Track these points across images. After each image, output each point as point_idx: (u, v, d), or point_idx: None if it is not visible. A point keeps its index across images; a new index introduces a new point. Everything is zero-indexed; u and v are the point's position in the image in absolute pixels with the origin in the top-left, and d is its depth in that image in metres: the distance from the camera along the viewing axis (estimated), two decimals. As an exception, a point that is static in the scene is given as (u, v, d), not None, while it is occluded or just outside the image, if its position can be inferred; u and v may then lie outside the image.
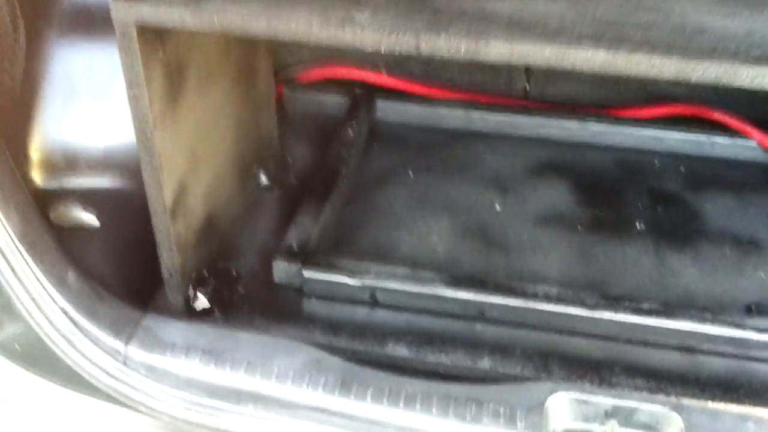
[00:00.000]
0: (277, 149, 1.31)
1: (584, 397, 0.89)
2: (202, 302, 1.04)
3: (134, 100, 0.87)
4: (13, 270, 0.86)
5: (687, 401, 0.90)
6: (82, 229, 1.02)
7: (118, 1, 0.82)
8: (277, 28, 0.81)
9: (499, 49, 0.77)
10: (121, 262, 1.03)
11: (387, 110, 1.40)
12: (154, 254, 1.01)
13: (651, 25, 0.78)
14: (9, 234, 0.87)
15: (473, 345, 1.02)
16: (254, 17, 0.80)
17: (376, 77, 1.44)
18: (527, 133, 1.37)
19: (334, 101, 1.42)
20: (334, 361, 0.92)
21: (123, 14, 0.83)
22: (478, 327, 1.04)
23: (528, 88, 1.45)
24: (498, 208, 1.23)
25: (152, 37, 0.87)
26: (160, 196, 0.94)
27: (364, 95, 1.40)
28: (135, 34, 0.84)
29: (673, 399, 0.91)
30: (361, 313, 1.06)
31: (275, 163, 1.29)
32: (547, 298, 1.03)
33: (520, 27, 0.78)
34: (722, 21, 0.79)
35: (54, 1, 1.04)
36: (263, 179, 1.26)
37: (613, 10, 0.81)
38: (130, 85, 0.87)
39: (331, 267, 1.08)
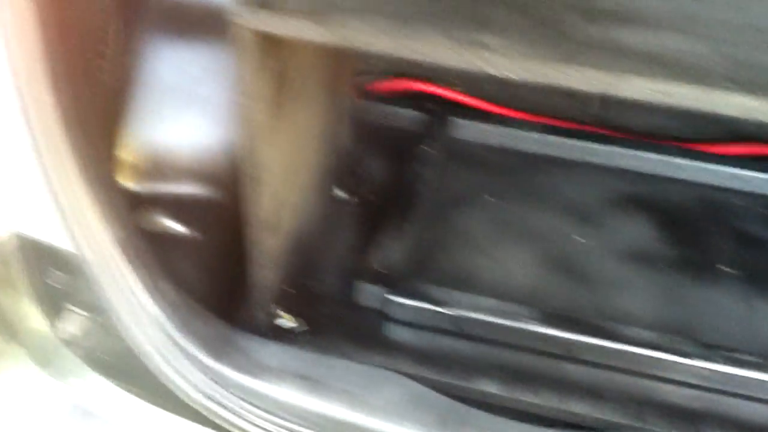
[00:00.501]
0: (354, 162, 1.27)
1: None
2: (284, 320, 1.01)
3: (244, 110, 0.84)
4: (112, 279, 0.82)
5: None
6: (167, 236, 0.98)
7: (241, 7, 0.78)
8: (403, 47, 0.77)
9: (635, 88, 0.73)
10: (206, 274, 0.99)
11: (464, 130, 1.36)
12: (237, 267, 0.97)
13: None
14: (106, 240, 0.83)
15: (563, 385, 0.98)
16: (380, 34, 0.76)
17: (451, 94, 1.41)
18: (606, 161, 1.33)
19: (405, 115, 1.38)
20: (435, 397, 0.88)
21: (245, 22, 0.79)
22: (568, 366, 1.01)
23: (602, 114, 1.42)
24: (580, 239, 1.19)
25: (268, 46, 0.83)
26: (258, 209, 0.90)
27: (442, 113, 1.36)
28: (254, 43, 0.80)
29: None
30: (447, 342, 1.02)
31: (349, 176, 1.25)
32: (641, 343, 1.00)
33: (659, 64, 0.75)
34: None
35: (149, -3, 1.00)
36: (340, 192, 1.22)
37: (750, 51, 0.77)
38: (242, 94, 0.83)
39: (415, 293, 1.04)
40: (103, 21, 0.89)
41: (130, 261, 0.83)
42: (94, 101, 0.88)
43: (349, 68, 1.20)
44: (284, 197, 0.96)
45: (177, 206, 0.99)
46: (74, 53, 0.80)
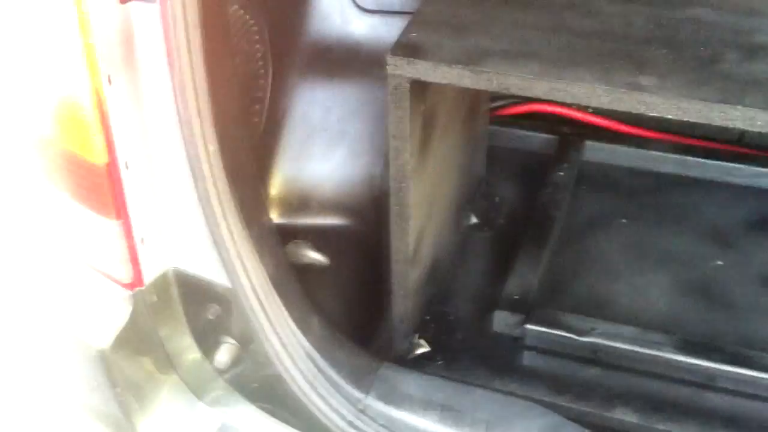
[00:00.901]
0: (486, 188, 1.30)
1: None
2: (423, 347, 1.05)
3: (395, 151, 0.88)
4: (265, 312, 0.88)
5: None
6: (312, 268, 1.04)
7: (396, 57, 0.82)
8: (559, 92, 0.79)
9: None
10: (349, 304, 1.05)
11: (596, 151, 1.36)
12: (378, 297, 1.02)
13: None
14: (260, 274, 0.89)
15: (704, 415, 0.98)
16: (535, 80, 0.79)
17: (583, 116, 1.41)
18: (745, 182, 1.30)
19: (538, 138, 1.40)
20: (573, 429, 0.89)
21: (400, 70, 0.83)
22: (709, 395, 1.00)
23: (743, 133, 1.39)
24: (720, 263, 1.18)
25: (420, 91, 0.87)
26: (404, 244, 0.94)
27: (572, 135, 1.37)
28: (408, 90, 0.84)
29: None
30: (584, 371, 1.03)
31: (483, 202, 1.28)
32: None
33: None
34: None
35: (298, 42, 1.06)
36: (473, 219, 1.25)
37: None
38: (395, 137, 0.87)
39: (554, 322, 1.06)
40: (260, 68, 0.95)
41: (281, 294, 0.89)
42: (250, 143, 0.94)
43: (486, 100, 1.23)
44: (425, 230, 1.00)
45: (321, 238, 1.04)
46: (235, 101, 0.86)
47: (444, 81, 0.81)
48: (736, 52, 0.80)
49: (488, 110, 1.28)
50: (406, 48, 0.82)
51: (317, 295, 1.02)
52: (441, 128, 0.97)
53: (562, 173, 1.29)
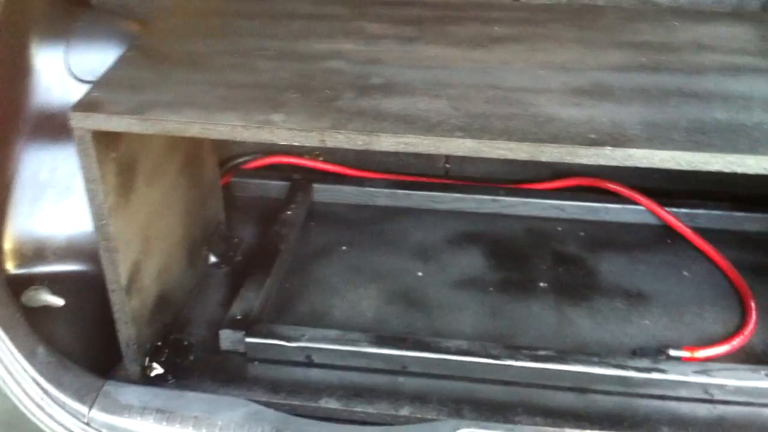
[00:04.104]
0: (224, 231, 1.47)
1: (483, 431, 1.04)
2: (156, 370, 1.18)
3: (91, 194, 1.03)
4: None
5: (574, 432, 1.06)
6: (49, 309, 1.16)
7: (76, 112, 0.99)
8: (208, 131, 0.98)
9: (388, 142, 0.95)
10: (85, 337, 1.18)
11: (323, 192, 1.57)
12: (114, 329, 1.15)
13: (512, 116, 0.96)
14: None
15: (395, 395, 1.16)
16: (188, 123, 0.97)
17: (313, 164, 1.62)
18: (447, 206, 1.55)
19: (276, 186, 1.59)
20: (269, 413, 1.06)
21: (80, 123, 0.99)
22: (401, 380, 1.19)
23: (447, 167, 1.64)
24: (420, 274, 1.40)
25: (106, 140, 1.03)
26: (116, 276, 1.09)
27: (302, 180, 1.57)
28: (91, 139, 1.00)
29: (561, 431, 1.06)
30: (298, 372, 1.20)
31: (222, 243, 1.45)
32: (459, 352, 1.19)
33: (405, 122, 0.96)
34: (570, 110, 0.97)
35: (22, 113, 1.21)
36: (212, 258, 1.41)
37: (482, 105, 0.99)
38: (87, 182, 1.02)
39: (270, 334, 1.22)
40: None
41: (10, 333, 1.02)
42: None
43: (211, 151, 1.41)
44: (142, 264, 1.15)
45: (54, 282, 1.18)
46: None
47: (118, 129, 0.98)
48: (351, 93, 1.02)
49: (217, 161, 1.46)
50: (86, 104, 0.99)
51: (58, 333, 1.16)
52: (146, 174, 1.14)
53: (290, 212, 1.49)
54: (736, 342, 1.22)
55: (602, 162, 0.92)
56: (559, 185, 1.56)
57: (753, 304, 1.28)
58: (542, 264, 1.41)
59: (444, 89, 1.04)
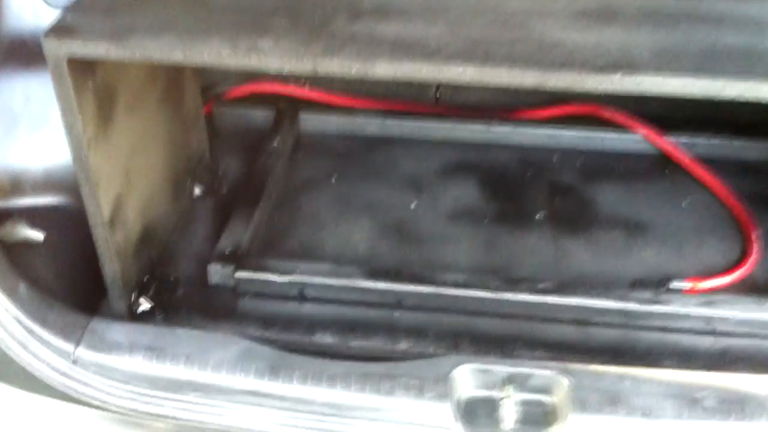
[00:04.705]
0: (209, 162, 1.42)
1: (485, 367, 1.02)
2: (143, 306, 1.15)
3: (68, 125, 0.97)
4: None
5: (574, 366, 1.03)
6: (29, 244, 1.11)
7: (49, 38, 0.92)
8: (192, 57, 0.91)
9: (384, 69, 0.89)
10: (68, 273, 1.13)
11: (310, 122, 1.51)
12: (98, 264, 1.11)
13: (515, 41, 0.91)
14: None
15: (391, 330, 1.13)
16: (171, 49, 0.91)
17: (299, 91, 1.56)
18: (439, 136, 1.50)
19: (260, 115, 1.53)
20: (264, 350, 1.03)
21: (54, 49, 0.92)
22: (396, 314, 1.16)
23: (438, 95, 1.59)
24: (413, 206, 1.35)
25: (82, 68, 0.96)
26: (98, 210, 1.03)
27: (288, 109, 1.51)
28: (66, 67, 0.93)
29: (562, 364, 1.04)
30: (290, 307, 1.17)
31: (207, 175, 1.39)
32: (456, 285, 1.16)
33: (402, 48, 0.90)
34: (575, 35, 0.92)
35: (-10, 36, 1.13)
36: (197, 190, 1.36)
37: (483, 30, 0.94)
38: (64, 112, 0.96)
39: (261, 267, 1.19)
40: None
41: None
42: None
43: (192, 80, 1.34)
44: (125, 198, 1.10)
45: (33, 216, 1.12)
46: None
47: (95, 56, 0.92)
48: (343, 17, 0.96)
49: (199, 90, 1.39)
50: (60, 30, 0.92)
51: (40, 270, 1.11)
52: (125, 104, 1.08)
53: (276, 143, 1.43)
54: (739, 273, 1.20)
55: (611, 90, 0.87)
56: (554, 113, 1.51)
57: (755, 235, 1.26)
58: (538, 195, 1.38)
59: (442, 13, 0.98)
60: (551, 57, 0.88)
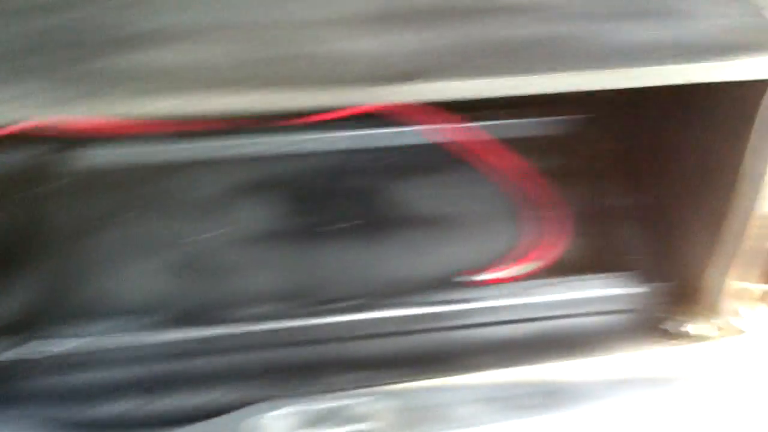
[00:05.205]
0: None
1: (299, 408, 0.95)
2: None
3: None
4: None
5: (392, 387, 0.98)
6: None
7: None
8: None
9: (153, 107, 0.81)
10: None
11: (85, 156, 1.37)
12: None
13: (301, 57, 0.84)
14: None
15: (196, 381, 1.04)
16: None
17: (73, 124, 1.41)
18: (232, 154, 1.40)
19: (25, 155, 1.37)
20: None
21: None
22: (199, 363, 1.07)
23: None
24: (211, 236, 1.26)
25: None
26: None
27: (59, 144, 1.36)
28: None
29: (380, 388, 0.98)
30: (77, 377, 1.04)
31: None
32: (262, 319, 1.08)
33: (175, 80, 0.82)
34: (366, 44, 0.86)
35: None
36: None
37: (266, 48, 0.86)
38: None
39: (40, 335, 1.05)
40: None
41: None
42: None
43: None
44: None
45: None
46: None
47: None
48: (111, 48, 0.86)
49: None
50: None
51: None
52: None
53: (47, 184, 1.29)
54: (542, 255, 1.19)
55: (406, 100, 0.82)
56: (344, 114, 1.45)
57: (549, 215, 1.25)
58: (339, 203, 1.31)
59: (220, 32, 0.89)
60: (339, 72, 0.82)
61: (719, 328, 1.07)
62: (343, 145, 1.41)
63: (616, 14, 0.92)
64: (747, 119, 0.90)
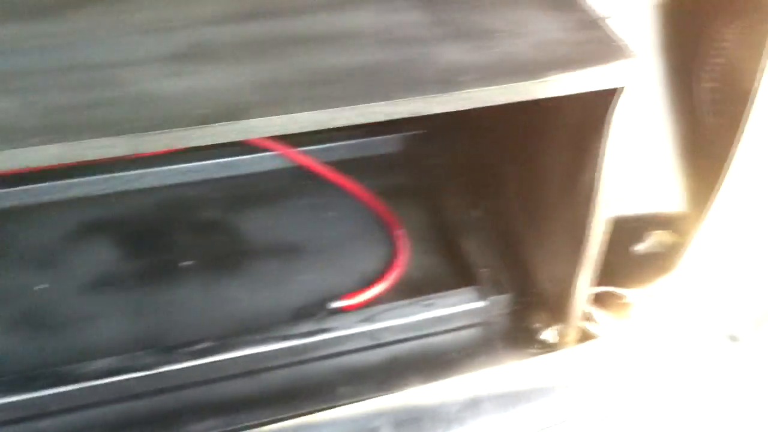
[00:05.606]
0: None
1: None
2: None
3: None
4: None
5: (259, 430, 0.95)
6: None
7: None
8: None
9: None
10: None
11: None
12: None
13: (102, 102, 0.78)
14: None
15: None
16: None
17: None
18: (63, 197, 1.31)
19: None
20: None
21: None
22: (43, 425, 0.99)
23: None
24: (42, 287, 1.17)
25: None
26: None
27: None
28: None
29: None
30: None
31: None
32: (105, 374, 1.02)
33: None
34: (170, 84, 0.80)
35: None
36: None
37: (65, 94, 0.79)
38: None
39: None
40: None
41: None
42: None
43: None
44: None
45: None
46: None
47: None
48: None
49: None
50: None
51: None
52: None
53: None
54: (393, 276, 1.19)
55: (223, 140, 0.78)
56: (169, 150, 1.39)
57: (401, 233, 1.26)
58: (181, 239, 1.26)
59: (13, 81, 0.81)
60: (144, 115, 0.76)
61: (576, 335, 1.10)
62: (182, 179, 1.36)
63: (448, 37, 0.92)
64: (596, 129, 0.91)
